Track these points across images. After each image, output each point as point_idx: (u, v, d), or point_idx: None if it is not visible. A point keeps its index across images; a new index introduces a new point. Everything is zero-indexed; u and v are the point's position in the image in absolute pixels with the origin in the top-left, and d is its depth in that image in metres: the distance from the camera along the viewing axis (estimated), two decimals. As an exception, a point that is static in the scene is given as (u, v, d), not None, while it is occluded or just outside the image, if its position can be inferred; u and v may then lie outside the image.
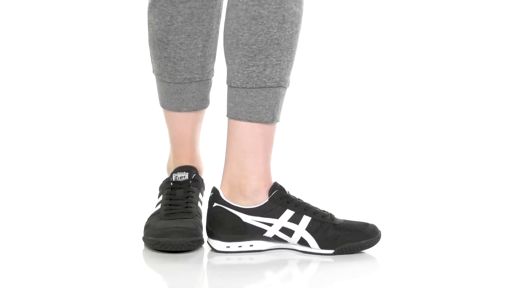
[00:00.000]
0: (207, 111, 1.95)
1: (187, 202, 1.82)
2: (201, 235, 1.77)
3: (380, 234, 1.76)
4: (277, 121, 1.76)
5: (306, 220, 1.73)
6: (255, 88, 1.72)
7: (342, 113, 3.12)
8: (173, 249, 1.73)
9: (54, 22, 3.16)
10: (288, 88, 1.76)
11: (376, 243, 1.75)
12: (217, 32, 1.86)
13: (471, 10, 3.20)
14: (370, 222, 1.78)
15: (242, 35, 1.70)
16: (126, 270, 1.66)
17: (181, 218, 1.78)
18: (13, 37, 3.14)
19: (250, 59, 1.70)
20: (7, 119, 3.02)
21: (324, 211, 1.76)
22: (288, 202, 1.74)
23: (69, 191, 2.42)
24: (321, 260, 1.71)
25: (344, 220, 1.76)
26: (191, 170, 1.87)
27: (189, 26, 1.81)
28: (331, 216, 1.75)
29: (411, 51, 3.21)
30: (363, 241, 1.74)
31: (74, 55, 3.15)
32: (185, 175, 1.85)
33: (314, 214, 1.74)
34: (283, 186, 1.77)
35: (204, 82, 1.87)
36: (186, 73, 1.84)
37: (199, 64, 1.84)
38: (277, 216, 1.73)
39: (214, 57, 1.88)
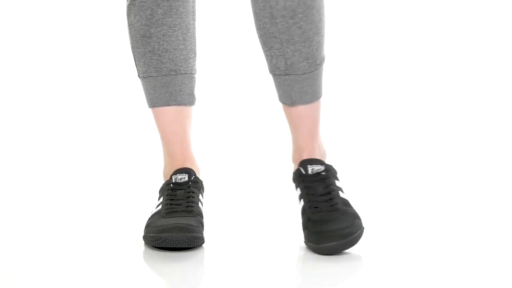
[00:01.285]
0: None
1: (188, 202, 1.82)
2: (202, 233, 1.77)
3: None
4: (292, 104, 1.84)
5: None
6: (272, 75, 1.84)
7: (341, 112, 3.12)
8: (174, 245, 1.73)
9: (54, 24, 3.16)
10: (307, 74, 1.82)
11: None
12: (194, 29, 1.92)
13: (471, 10, 3.20)
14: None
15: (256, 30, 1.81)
16: (126, 270, 1.66)
17: (182, 216, 1.79)
18: (7, 42, 3.14)
19: (264, 50, 1.81)
20: (7, 120, 3.02)
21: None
22: None
23: (70, 191, 2.42)
24: (322, 260, 1.71)
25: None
26: (190, 171, 1.88)
27: (169, 18, 1.86)
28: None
29: (409, 50, 3.21)
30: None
31: (75, 57, 3.16)
32: (184, 177, 1.86)
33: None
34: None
35: (189, 76, 1.91)
36: (171, 65, 1.88)
37: (182, 56, 1.89)
38: None
39: (195, 54, 1.93)
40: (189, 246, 1.74)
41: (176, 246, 1.73)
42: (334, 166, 1.86)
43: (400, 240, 1.88)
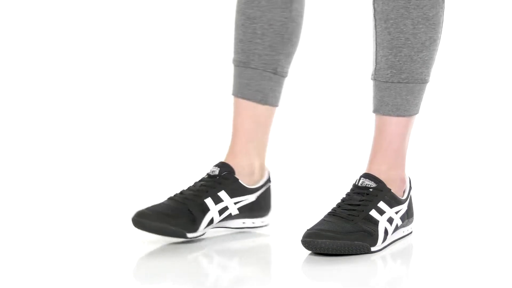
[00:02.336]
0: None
1: (195, 191, 1.81)
2: (171, 223, 1.76)
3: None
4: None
5: None
6: None
7: (344, 112, 3.12)
8: (145, 230, 1.76)
9: (54, 21, 3.15)
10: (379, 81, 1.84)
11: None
12: (283, 26, 1.87)
13: (471, 10, 3.20)
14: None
15: None
16: (125, 269, 1.66)
17: (171, 203, 1.79)
18: (18, 36, 3.14)
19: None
20: (8, 119, 3.02)
21: None
22: None
23: (69, 191, 2.42)
24: (323, 261, 1.70)
25: None
26: (225, 167, 1.85)
27: (250, 9, 1.87)
28: None
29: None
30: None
31: (75, 56, 3.15)
32: (216, 170, 1.85)
33: None
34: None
35: (260, 73, 1.88)
36: (243, 57, 1.88)
37: (256, 51, 1.87)
38: None
39: (278, 53, 1.87)
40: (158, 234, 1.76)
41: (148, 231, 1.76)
42: (398, 196, 1.81)
43: (402, 241, 1.88)
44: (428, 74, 1.83)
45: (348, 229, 1.72)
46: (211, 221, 1.81)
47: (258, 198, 1.89)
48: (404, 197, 1.85)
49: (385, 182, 1.80)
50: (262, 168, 1.92)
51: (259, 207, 1.90)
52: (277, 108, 1.93)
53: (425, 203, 2.27)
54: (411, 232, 1.89)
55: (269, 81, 1.89)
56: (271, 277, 1.63)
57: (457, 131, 3.04)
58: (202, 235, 1.81)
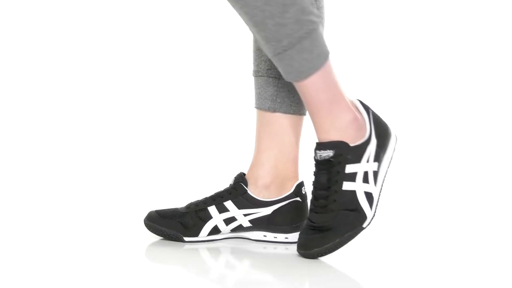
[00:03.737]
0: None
1: (201, 203, 1.83)
2: (163, 225, 1.81)
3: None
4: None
5: None
6: None
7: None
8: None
9: (52, 21, 3.16)
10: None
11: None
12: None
13: (471, 10, 3.20)
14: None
15: None
16: (127, 271, 1.66)
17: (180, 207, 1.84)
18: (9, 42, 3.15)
19: None
20: (9, 119, 3.03)
21: None
22: None
23: (70, 191, 2.43)
24: (322, 261, 1.71)
25: None
26: (240, 178, 1.83)
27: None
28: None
29: (411, 51, 3.21)
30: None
31: (75, 56, 3.16)
32: (232, 181, 1.84)
33: None
34: None
35: (266, 79, 1.84)
36: (254, 65, 1.86)
37: (262, 57, 1.85)
38: None
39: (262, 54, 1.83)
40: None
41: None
42: (360, 142, 1.69)
43: (401, 241, 1.88)
44: (307, 23, 1.65)
45: (332, 224, 1.67)
46: (216, 229, 1.81)
47: (275, 212, 1.82)
48: (367, 136, 1.72)
49: (340, 139, 1.69)
50: (283, 181, 1.84)
51: (276, 222, 1.82)
52: (296, 116, 1.83)
53: (421, 200, 2.28)
54: (394, 150, 1.77)
55: (274, 87, 1.83)
56: (268, 275, 1.63)
57: (456, 128, 3.05)
58: (208, 241, 1.82)
